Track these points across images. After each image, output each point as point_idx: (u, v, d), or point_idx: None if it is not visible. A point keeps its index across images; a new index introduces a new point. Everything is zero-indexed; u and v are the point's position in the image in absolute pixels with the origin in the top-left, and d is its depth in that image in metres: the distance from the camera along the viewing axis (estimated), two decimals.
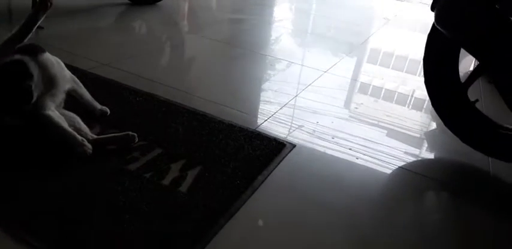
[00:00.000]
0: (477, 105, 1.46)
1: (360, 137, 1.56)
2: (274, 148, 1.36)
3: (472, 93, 1.47)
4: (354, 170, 1.35)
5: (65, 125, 1.16)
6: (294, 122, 1.61)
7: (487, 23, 1.18)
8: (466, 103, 1.45)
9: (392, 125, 1.73)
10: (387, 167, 1.40)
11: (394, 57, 2.85)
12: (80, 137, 1.16)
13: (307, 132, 1.54)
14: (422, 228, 1.14)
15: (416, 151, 1.58)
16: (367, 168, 1.37)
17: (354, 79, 2.24)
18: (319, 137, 1.51)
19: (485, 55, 1.24)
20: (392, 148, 1.52)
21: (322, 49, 2.75)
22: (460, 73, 1.47)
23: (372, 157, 1.43)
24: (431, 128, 1.82)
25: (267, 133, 1.46)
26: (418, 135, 1.72)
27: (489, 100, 2.00)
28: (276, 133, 1.48)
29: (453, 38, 1.30)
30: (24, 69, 1.08)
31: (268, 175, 1.23)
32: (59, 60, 1.25)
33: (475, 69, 1.44)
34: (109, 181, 1.10)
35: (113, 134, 1.27)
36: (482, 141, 1.44)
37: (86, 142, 1.17)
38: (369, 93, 2.12)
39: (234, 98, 1.74)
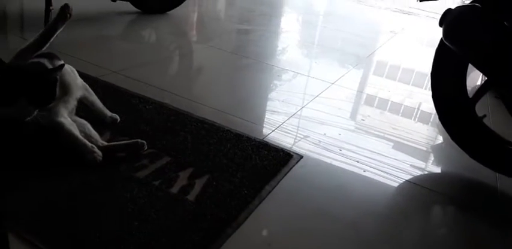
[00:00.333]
0: (485, 120, 1.46)
1: (366, 149, 1.56)
2: (281, 159, 1.37)
3: (480, 108, 1.47)
4: (361, 182, 1.35)
5: (76, 132, 1.17)
6: (301, 133, 1.62)
7: (495, 39, 1.19)
8: (473, 118, 1.46)
9: (398, 138, 1.74)
10: (394, 181, 1.40)
11: (400, 69, 2.87)
12: (90, 144, 1.18)
13: (314, 143, 1.54)
14: (428, 243, 1.13)
15: (422, 165, 1.58)
16: (374, 181, 1.37)
17: (361, 91, 2.25)
18: (327, 149, 1.51)
19: (493, 70, 1.25)
20: (399, 161, 1.53)
21: (329, 60, 2.77)
22: (467, 88, 1.48)
23: (379, 170, 1.43)
24: (438, 142, 1.82)
25: (274, 144, 1.47)
26: (425, 148, 1.72)
27: (497, 115, 2.00)
28: (283, 144, 1.49)
29: (461, 53, 1.31)
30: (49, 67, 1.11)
31: (276, 186, 1.23)
32: (73, 68, 1.27)
33: (482, 84, 1.44)
34: (118, 188, 1.11)
35: (123, 142, 1.29)
36: (490, 157, 1.44)
37: (96, 149, 1.18)
38: (375, 105, 2.13)
39: (242, 107, 1.76)
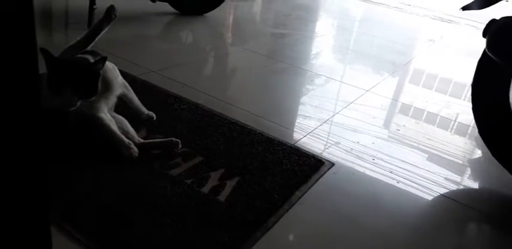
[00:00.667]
0: None
1: (400, 160, 1.52)
2: (312, 165, 1.36)
3: None
4: (393, 193, 1.32)
5: (115, 128, 1.21)
6: (333, 139, 1.60)
7: None
8: None
9: (434, 149, 1.69)
10: (428, 193, 1.36)
11: (438, 79, 2.79)
12: (127, 140, 1.21)
13: (346, 151, 1.52)
14: None
15: (458, 179, 1.53)
16: (407, 192, 1.34)
17: (396, 99, 2.20)
18: (359, 157, 1.49)
19: None
20: (433, 173, 1.48)
21: (363, 67, 2.73)
22: (511, 101, 1.43)
23: (413, 182, 1.39)
24: (475, 156, 1.76)
25: (306, 149, 1.46)
26: (461, 162, 1.67)
27: None
28: (315, 150, 1.48)
29: (505, 65, 1.26)
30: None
31: (306, 191, 1.22)
32: (114, 66, 1.31)
33: None
34: (152, 184, 1.14)
35: (158, 140, 1.31)
36: None
37: (132, 145, 1.21)
38: (410, 114, 2.08)
39: (274, 111, 1.76)
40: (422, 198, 1.34)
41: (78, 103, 1.11)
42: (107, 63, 1.26)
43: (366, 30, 3.74)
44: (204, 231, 1.00)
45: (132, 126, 1.31)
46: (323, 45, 3.05)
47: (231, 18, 3.52)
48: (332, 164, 1.39)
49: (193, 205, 1.08)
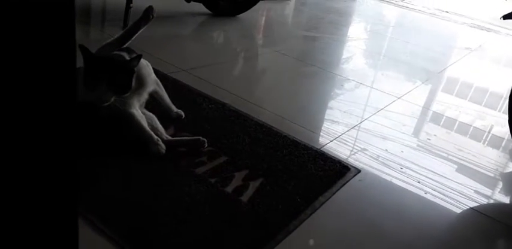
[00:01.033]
0: None
1: (430, 170, 1.48)
2: (338, 171, 1.34)
3: None
4: (421, 204, 1.29)
5: (145, 124, 1.23)
6: (360, 146, 1.57)
7: None
8: None
9: (465, 161, 1.63)
10: (457, 206, 1.31)
11: (473, 88, 2.70)
12: (156, 137, 1.23)
13: (374, 158, 1.49)
14: None
15: (488, 192, 1.47)
16: (435, 204, 1.30)
17: (428, 108, 2.15)
18: (387, 166, 1.46)
19: None
20: (463, 185, 1.43)
21: (395, 73, 2.68)
22: None
23: (441, 193, 1.35)
24: (509, 170, 1.69)
25: (332, 154, 1.44)
26: (493, 175, 1.61)
27: None
28: (341, 155, 1.46)
29: None
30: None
31: (330, 197, 1.21)
32: (148, 63, 1.34)
33: None
34: (177, 181, 1.15)
35: (185, 138, 1.33)
36: None
37: (160, 142, 1.23)
38: (442, 124, 2.02)
39: (301, 115, 1.74)
40: (450, 210, 1.30)
41: (112, 99, 1.14)
42: (142, 60, 1.29)
43: (399, 36, 3.67)
44: (226, 230, 1.01)
45: (161, 123, 1.34)
46: (355, 50, 3.01)
47: (263, 20, 3.53)
48: (358, 170, 1.37)
49: (217, 204, 1.09)
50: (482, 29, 4.53)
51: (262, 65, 2.45)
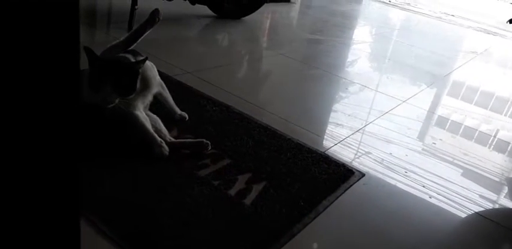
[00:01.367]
0: None
1: (434, 174, 1.47)
2: (342, 174, 1.33)
3: None
4: (425, 209, 1.27)
5: (149, 126, 1.23)
6: (365, 149, 1.56)
7: None
8: None
9: (470, 165, 1.62)
10: (461, 211, 1.30)
11: (478, 93, 2.68)
12: (159, 139, 1.23)
13: (378, 162, 1.48)
14: None
15: (494, 197, 1.46)
16: (439, 208, 1.29)
17: (433, 112, 2.13)
18: (391, 169, 1.45)
19: None
20: (468, 190, 1.42)
21: (400, 77, 2.67)
22: None
23: (446, 198, 1.34)
24: None
25: (336, 158, 1.43)
26: (498, 180, 1.59)
27: None
28: (345, 159, 1.45)
29: None
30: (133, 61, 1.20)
31: (334, 201, 1.20)
32: (153, 65, 1.34)
33: None
34: (180, 183, 1.15)
35: (189, 140, 1.33)
36: None
37: (164, 144, 1.23)
38: (447, 128, 2.01)
39: (305, 118, 1.74)
40: (454, 214, 1.28)
41: (117, 101, 1.14)
42: (147, 62, 1.29)
43: (405, 39, 3.66)
44: (228, 233, 1.00)
45: (165, 125, 1.33)
46: (360, 53, 3.01)
47: (268, 22, 3.53)
48: (362, 174, 1.36)
49: (220, 207, 1.08)
50: (488, 33, 4.51)
51: (267, 68, 2.45)
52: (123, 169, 1.17)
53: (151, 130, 1.23)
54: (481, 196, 1.41)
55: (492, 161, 1.70)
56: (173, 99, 1.48)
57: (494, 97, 2.63)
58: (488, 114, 2.30)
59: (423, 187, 1.38)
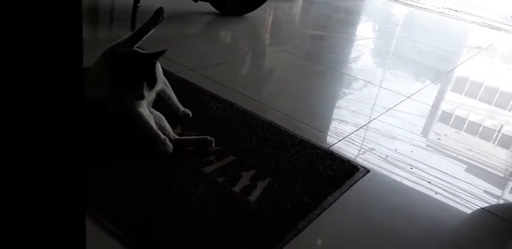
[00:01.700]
0: None
1: (440, 170, 1.46)
2: (346, 170, 1.33)
3: None
4: (430, 205, 1.27)
5: (153, 123, 1.23)
6: (369, 146, 1.56)
7: None
8: None
9: (475, 161, 1.61)
10: (467, 206, 1.29)
11: (482, 88, 2.67)
12: (163, 136, 1.23)
13: (383, 158, 1.48)
14: None
15: (498, 192, 1.45)
16: (445, 204, 1.28)
17: (438, 107, 2.12)
18: (397, 166, 1.44)
19: None
20: (473, 185, 1.41)
21: (404, 72, 2.65)
22: None
23: (451, 194, 1.34)
24: None
25: (340, 154, 1.43)
26: (503, 175, 1.58)
27: None
28: (350, 155, 1.45)
29: None
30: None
31: (339, 197, 1.19)
32: (158, 63, 1.33)
33: None
34: (184, 180, 1.15)
35: (192, 137, 1.33)
36: None
37: (167, 141, 1.23)
38: (452, 123, 2.00)
39: (309, 114, 1.73)
40: (460, 210, 1.28)
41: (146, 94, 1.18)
42: None
43: (408, 35, 3.64)
44: (233, 230, 1.00)
45: (168, 122, 1.33)
46: (363, 49, 2.99)
47: (270, 19, 3.51)
48: (367, 170, 1.35)
49: (224, 204, 1.08)
50: (492, 28, 4.48)
51: (270, 64, 2.44)
52: (128, 166, 1.17)
53: (155, 128, 1.23)
54: (486, 192, 1.40)
55: (497, 157, 1.70)
56: (176, 96, 1.48)
57: (498, 93, 2.62)
58: (492, 109, 2.29)
59: (429, 183, 1.37)
